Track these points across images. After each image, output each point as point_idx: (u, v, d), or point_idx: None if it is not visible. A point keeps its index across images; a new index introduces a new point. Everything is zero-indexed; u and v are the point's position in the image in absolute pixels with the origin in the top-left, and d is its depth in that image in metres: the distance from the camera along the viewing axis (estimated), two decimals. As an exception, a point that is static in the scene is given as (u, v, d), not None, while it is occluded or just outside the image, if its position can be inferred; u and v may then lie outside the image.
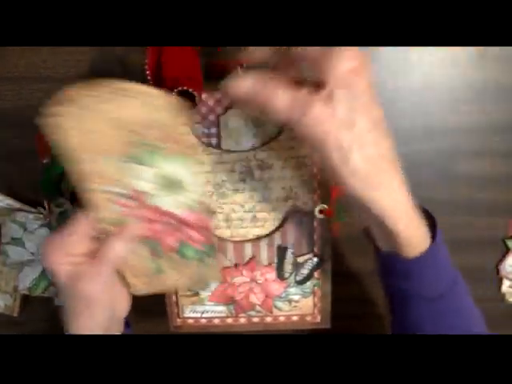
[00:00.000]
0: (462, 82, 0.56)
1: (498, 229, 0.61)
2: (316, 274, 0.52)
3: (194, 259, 0.43)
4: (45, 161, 0.48)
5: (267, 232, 0.51)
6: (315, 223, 0.50)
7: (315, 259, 0.51)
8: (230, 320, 0.54)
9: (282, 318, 0.54)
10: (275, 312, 0.53)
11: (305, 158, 0.48)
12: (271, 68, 0.37)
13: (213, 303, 0.53)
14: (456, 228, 0.59)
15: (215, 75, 0.49)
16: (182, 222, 0.41)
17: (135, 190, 0.38)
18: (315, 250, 0.51)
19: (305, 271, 0.51)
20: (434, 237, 0.41)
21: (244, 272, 0.51)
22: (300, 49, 0.35)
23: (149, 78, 0.44)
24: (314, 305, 0.53)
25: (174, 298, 0.53)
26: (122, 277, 0.43)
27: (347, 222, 0.59)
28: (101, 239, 0.39)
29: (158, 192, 0.39)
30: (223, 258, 0.51)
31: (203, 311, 0.53)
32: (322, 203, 0.49)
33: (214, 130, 0.48)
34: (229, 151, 0.48)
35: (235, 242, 0.51)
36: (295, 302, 0.53)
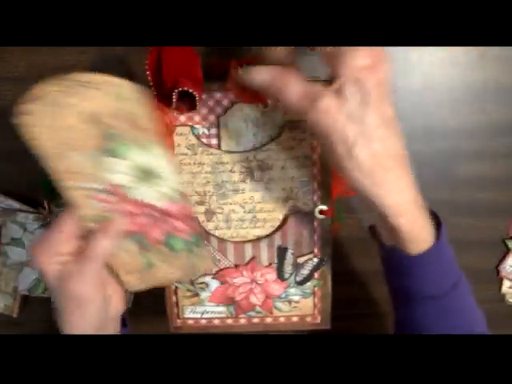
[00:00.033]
0: (461, 83, 0.56)
1: (498, 229, 0.61)
2: (316, 275, 0.52)
3: (183, 250, 0.42)
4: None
5: (267, 233, 0.51)
6: (315, 224, 0.50)
7: (315, 260, 0.51)
8: (230, 321, 0.54)
9: (282, 319, 0.54)
10: (275, 313, 0.53)
11: (305, 159, 0.48)
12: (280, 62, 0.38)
13: (213, 304, 0.53)
14: (456, 229, 0.59)
15: (215, 75, 0.49)
16: (165, 213, 0.40)
17: (112, 184, 0.38)
18: (315, 250, 0.51)
19: (305, 272, 0.51)
20: (439, 236, 0.42)
21: (244, 272, 0.51)
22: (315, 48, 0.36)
23: (149, 78, 0.44)
24: (314, 305, 0.53)
25: (174, 298, 0.52)
26: (115, 275, 0.43)
27: (347, 223, 0.60)
28: (86, 237, 0.39)
29: (134, 184, 0.38)
30: (223, 258, 0.51)
31: (203, 312, 0.53)
32: (322, 204, 0.49)
33: (214, 131, 0.48)
34: (229, 152, 0.48)
35: (235, 243, 0.51)
36: (295, 303, 0.53)
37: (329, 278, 0.52)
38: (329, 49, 0.36)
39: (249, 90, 0.45)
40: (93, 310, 0.40)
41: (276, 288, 0.52)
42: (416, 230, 0.40)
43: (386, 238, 0.43)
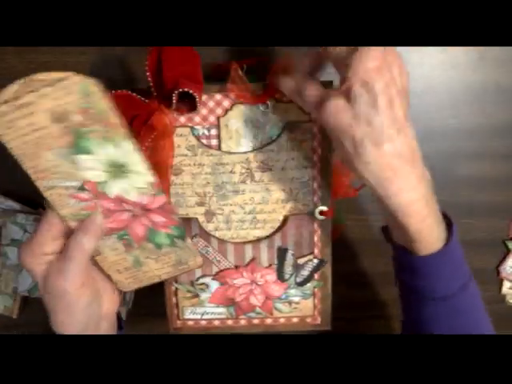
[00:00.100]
0: (462, 84, 0.56)
1: (498, 230, 0.61)
2: (316, 276, 0.52)
3: (167, 245, 0.43)
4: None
5: (267, 234, 0.51)
6: (315, 225, 0.50)
7: (315, 261, 0.51)
8: (230, 322, 0.54)
9: (282, 320, 0.53)
10: (275, 314, 0.53)
11: (305, 160, 0.48)
12: (302, 71, 0.41)
13: (213, 305, 0.53)
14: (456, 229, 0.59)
15: (215, 76, 0.49)
16: (142, 208, 0.41)
17: (87, 181, 0.38)
18: (315, 251, 0.51)
19: (305, 273, 0.51)
20: (450, 238, 0.42)
21: (244, 273, 0.51)
22: (327, 49, 0.37)
23: (149, 79, 0.44)
24: (315, 306, 0.53)
25: (173, 299, 0.52)
26: (106, 275, 0.44)
27: (347, 224, 0.60)
28: (69, 235, 0.40)
29: (108, 180, 0.39)
30: (223, 259, 0.51)
31: (203, 313, 0.53)
32: (323, 205, 0.49)
33: (214, 132, 0.48)
34: (229, 153, 0.48)
35: (235, 244, 0.51)
36: (295, 304, 0.53)
37: (329, 279, 0.52)
38: (338, 49, 0.37)
39: (249, 90, 0.45)
40: (79, 307, 0.40)
41: (276, 289, 0.52)
42: (425, 230, 0.40)
43: (396, 237, 0.44)
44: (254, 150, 0.48)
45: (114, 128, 0.36)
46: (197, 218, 0.50)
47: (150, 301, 0.55)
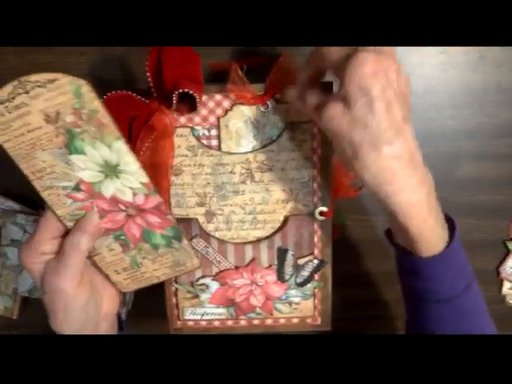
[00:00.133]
0: (462, 84, 0.56)
1: (498, 231, 0.61)
2: (316, 276, 0.52)
3: (163, 246, 0.44)
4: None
5: (267, 234, 0.50)
6: (315, 225, 0.50)
7: (316, 261, 0.51)
8: (230, 322, 0.54)
9: (282, 321, 0.53)
10: (275, 314, 0.53)
11: (305, 160, 0.48)
12: (302, 79, 0.42)
13: (213, 305, 0.53)
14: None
15: (216, 77, 0.49)
16: (136, 208, 0.41)
17: (82, 181, 0.39)
18: (316, 252, 0.51)
19: (305, 273, 0.51)
20: (451, 240, 0.42)
21: (244, 274, 0.51)
22: (325, 53, 0.38)
23: (149, 79, 0.44)
24: (315, 307, 0.53)
25: (174, 300, 0.52)
26: (105, 276, 0.45)
27: (347, 225, 0.60)
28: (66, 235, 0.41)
29: (103, 180, 0.39)
30: (223, 259, 0.51)
31: (203, 313, 0.53)
32: (323, 205, 0.49)
33: (214, 132, 0.48)
34: (229, 153, 0.48)
35: (236, 244, 0.51)
36: (296, 304, 0.53)
37: (329, 279, 0.52)
38: (334, 54, 0.37)
39: (249, 91, 0.45)
40: (77, 306, 0.41)
41: (276, 289, 0.52)
42: (426, 232, 0.40)
43: (399, 239, 0.44)
44: (254, 150, 0.48)
45: (106, 128, 0.37)
46: (197, 219, 0.50)
47: (149, 301, 0.55)
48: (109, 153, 0.38)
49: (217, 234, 0.50)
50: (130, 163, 0.39)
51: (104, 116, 0.36)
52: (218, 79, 0.48)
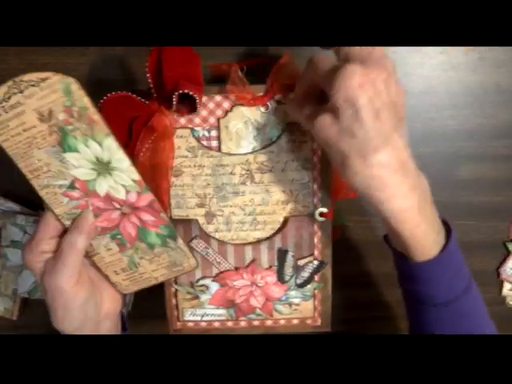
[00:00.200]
0: (462, 85, 0.56)
1: (498, 232, 0.61)
2: (316, 277, 0.52)
3: (159, 245, 0.44)
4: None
5: (267, 235, 0.50)
6: (315, 226, 0.50)
7: (316, 262, 0.51)
8: (230, 323, 0.54)
9: (282, 322, 0.53)
10: (276, 315, 0.53)
11: (305, 161, 0.48)
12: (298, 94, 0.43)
13: (213, 306, 0.53)
14: (456, 231, 0.59)
15: (216, 78, 0.49)
16: (130, 206, 0.42)
17: (76, 179, 0.40)
18: (316, 253, 0.51)
19: (305, 274, 0.51)
20: (447, 244, 0.42)
21: (244, 275, 0.51)
22: (317, 64, 0.39)
23: (149, 80, 0.44)
24: (315, 308, 0.53)
25: (173, 301, 0.52)
26: (105, 276, 0.45)
27: (348, 226, 0.60)
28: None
29: (95, 177, 0.40)
30: (223, 260, 0.51)
31: (203, 314, 0.53)
32: (323, 206, 0.49)
33: (214, 133, 0.48)
34: (229, 154, 0.48)
35: (236, 245, 0.50)
36: (296, 306, 0.53)
37: (329, 280, 0.52)
38: (323, 66, 0.38)
39: (249, 92, 0.46)
40: (76, 304, 0.41)
41: (276, 290, 0.52)
42: (419, 237, 0.41)
43: (395, 244, 0.44)
44: (254, 151, 0.48)
45: (97, 125, 0.37)
46: (197, 220, 0.50)
47: (149, 302, 0.55)
48: (100, 150, 0.38)
49: (217, 235, 0.50)
50: (122, 160, 0.39)
51: (94, 113, 0.37)
52: (218, 80, 0.48)
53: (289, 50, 0.46)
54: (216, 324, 0.54)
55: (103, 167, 0.39)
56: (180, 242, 0.44)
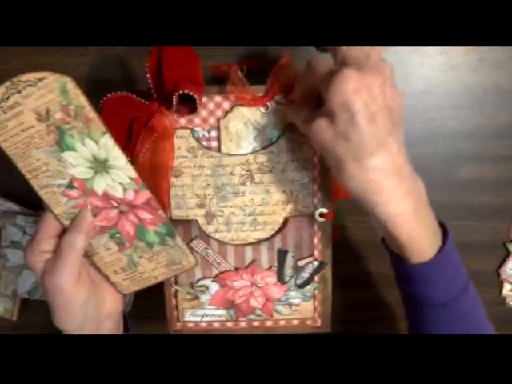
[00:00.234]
0: (461, 85, 0.56)
1: (498, 232, 0.61)
2: (316, 278, 0.52)
3: (157, 243, 0.44)
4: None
5: (267, 235, 0.50)
6: (315, 227, 0.50)
7: (316, 263, 0.51)
8: (230, 324, 0.54)
9: (282, 322, 0.53)
10: (275, 316, 0.53)
11: (305, 162, 0.48)
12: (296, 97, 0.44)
13: (213, 307, 0.53)
14: (456, 232, 0.58)
15: (216, 78, 0.49)
16: (128, 204, 0.42)
17: (74, 178, 0.40)
18: (316, 253, 0.51)
19: (305, 275, 0.51)
20: (443, 246, 0.43)
21: (244, 276, 0.51)
22: (314, 68, 0.39)
23: (149, 81, 0.44)
24: (315, 309, 0.53)
25: (173, 301, 0.52)
26: (105, 276, 0.45)
27: (347, 226, 0.60)
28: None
29: (93, 176, 0.40)
30: (223, 261, 0.51)
31: (203, 315, 0.53)
32: (323, 207, 0.49)
33: (214, 134, 0.48)
34: (229, 154, 0.48)
35: (236, 246, 0.50)
36: (296, 306, 0.53)
37: (329, 281, 0.52)
38: (319, 70, 0.39)
39: (249, 92, 0.46)
40: (77, 303, 0.41)
41: (276, 291, 0.52)
42: (415, 239, 0.41)
43: (392, 245, 0.44)
44: (254, 151, 0.48)
45: (93, 123, 0.38)
46: (197, 220, 0.50)
47: (149, 303, 0.55)
48: (97, 148, 0.39)
49: (217, 236, 0.50)
50: (118, 158, 0.39)
51: (90, 111, 0.37)
52: (217, 81, 0.48)
53: (289, 51, 0.46)
54: (216, 324, 0.53)
55: (100, 165, 0.39)
56: (178, 239, 0.44)
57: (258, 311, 0.53)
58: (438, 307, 0.43)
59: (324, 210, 0.49)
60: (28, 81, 0.35)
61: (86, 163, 0.39)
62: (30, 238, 0.42)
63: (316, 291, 0.52)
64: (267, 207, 0.49)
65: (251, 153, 0.48)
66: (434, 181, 0.58)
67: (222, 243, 0.50)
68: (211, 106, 0.47)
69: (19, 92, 0.36)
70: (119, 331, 0.47)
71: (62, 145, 0.38)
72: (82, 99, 0.37)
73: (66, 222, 0.41)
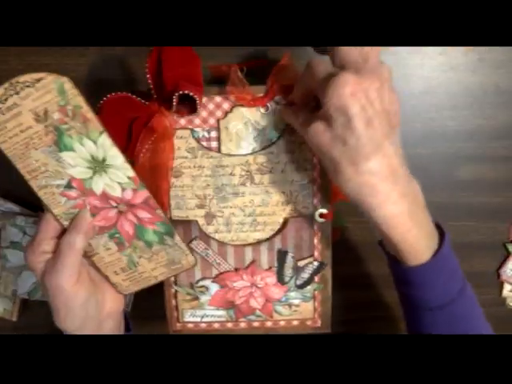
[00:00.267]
0: (461, 86, 0.56)
1: (498, 233, 0.61)
2: (316, 279, 0.52)
3: (157, 242, 0.44)
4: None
5: (267, 236, 0.50)
6: (315, 227, 0.50)
7: (316, 263, 0.51)
8: (230, 324, 0.53)
9: (282, 323, 0.53)
10: (275, 316, 0.53)
11: (305, 162, 0.48)
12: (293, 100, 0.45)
13: (213, 308, 0.53)
14: (456, 233, 0.59)
15: (216, 79, 0.49)
16: (126, 203, 0.42)
17: (73, 178, 0.40)
18: (316, 254, 0.51)
19: (305, 275, 0.51)
20: (440, 248, 0.42)
21: (244, 276, 0.51)
22: (313, 70, 0.40)
23: (149, 81, 0.44)
24: (315, 309, 0.53)
25: (173, 302, 0.52)
26: (105, 277, 0.45)
27: (347, 227, 0.60)
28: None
29: (92, 176, 0.40)
30: (223, 261, 0.51)
31: (203, 315, 0.53)
32: (322, 207, 0.49)
33: (214, 134, 0.48)
34: (229, 155, 0.48)
35: (235, 246, 0.50)
36: (295, 307, 0.53)
37: (329, 281, 0.52)
38: (318, 74, 0.39)
39: (249, 93, 0.46)
40: (77, 303, 0.42)
41: (276, 292, 0.52)
42: (411, 241, 0.41)
43: (389, 248, 0.44)
44: (253, 152, 0.48)
45: (91, 123, 0.38)
46: (197, 221, 0.50)
47: (149, 303, 0.55)
48: (95, 148, 0.39)
49: (217, 236, 0.50)
50: (116, 157, 0.39)
51: (87, 111, 0.37)
52: (217, 81, 0.48)
53: (289, 51, 0.46)
54: (216, 325, 0.53)
55: (99, 165, 0.40)
56: (177, 239, 0.44)
57: (257, 312, 0.53)
58: (435, 310, 0.43)
59: (324, 211, 0.49)
60: (26, 82, 0.35)
61: (84, 163, 0.39)
62: (31, 239, 0.42)
63: (316, 292, 0.52)
64: (267, 208, 0.49)
65: (251, 153, 0.48)
66: (433, 181, 0.58)
67: (221, 244, 0.50)
68: (211, 106, 0.47)
69: (17, 93, 0.36)
70: (120, 331, 0.47)
71: (60, 145, 0.38)
72: (79, 99, 0.37)
73: (66, 223, 0.41)
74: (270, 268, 0.51)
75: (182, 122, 0.47)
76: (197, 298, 0.52)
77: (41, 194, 0.40)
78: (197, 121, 0.47)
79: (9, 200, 0.57)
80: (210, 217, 0.50)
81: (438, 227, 0.44)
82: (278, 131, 0.47)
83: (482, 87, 0.56)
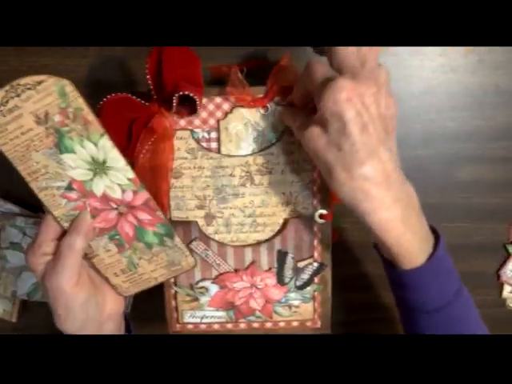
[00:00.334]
0: (461, 87, 0.56)
1: (497, 234, 0.61)
2: (316, 279, 0.52)
3: (156, 244, 0.44)
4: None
5: (267, 237, 0.50)
6: (315, 228, 0.50)
7: (315, 264, 0.51)
8: (229, 325, 0.53)
9: (282, 324, 0.53)
10: (275, 317, 0.53)
11: (305, 163, 0.48)
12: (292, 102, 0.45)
13: (212, 308, 0.53)
14: (456, 234, 0.59)
15: (216, 79, 0.49)
16: (126, 205, 0.42)
17: (73, 180, 0.40)
18: (315, 255, 0.51)
19: (305, 276, 0.51)
20: (434, 251, 0.42)
21: (244, 277, 0.51)
22: (311, 73, 0.39)
23: (149, 82, 0.44)
24: (315, 310, 0.53)
25: (173, 303, 0.52)
26: (105, 278, 0.45)
27: (345, 228, 0.60)
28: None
29: (92, 178, 0.40)
30: (223, 262, 0.51)
31: (203, 316, 0.53)
32: (322, 208, 0.49)
33: (214, 135, 0.48)
34: (229, 156, 0.48)
35: (235, 247, 0.50)
36: (295, 308, 0.53)
37: (329, 282, 0.52)
38: (315, 79, 0.39)
39: (249, 94, 0.46)
40: (77, 304, 0.42)
41: (276, 293, 0.52)
42: (405, 245, 0.41)
43: (383, 251, 0.44)
44: (253, 153, 0.48)
45: (91, 125, 0.38)
46: (196, 222, 0.50)
47: (149, 304, 0.55)
48: (95, 150, 0.39)
49: (216, 237, 0.50)
50: (116, 159, 0.40)
51: (88, 113, 0.38)
52: (217, 82, 0.48)
53: (288, 52, 0.46)
54: (215, 326, 0.53)
55: (99, 167, 0.40)
56: (177, 240, 0.44)
57: (257, 313, 0.53)
58: (431, 313, 0.43)
59: (324, 212, 0.49)
60: (27, 84, 0.36)
61: (84, 165, 0.39)
62: (32, 241, 0.42)
63: (316, 293, 0.52)
64: (267, 208, 0.49)
65: (251, 154, 0.48)
66: (433, 182, 0.58)
67: (221, 244, 0.50)
68: (211, 107, 0.47)
69: (18, 95, 0.36)
70: (121, 332, 0.48)
71: (61, 147, 0.38)
72: (80, 101, 0.37)
73: (66, 225, 0.42)
74: (270, 269, 0.51)
75: (182, 122, 0.47)
76: (196, 299, 0.52)
77: (41, 195, 0.40)
78: (197, 122, 0.47)
79: (9, 201, 0.57)
80: (209, 218, 0.50)
81: (434, 231, 0.44)
82: (278, 132, 0.47)
83: (481, 88, 0.56)
